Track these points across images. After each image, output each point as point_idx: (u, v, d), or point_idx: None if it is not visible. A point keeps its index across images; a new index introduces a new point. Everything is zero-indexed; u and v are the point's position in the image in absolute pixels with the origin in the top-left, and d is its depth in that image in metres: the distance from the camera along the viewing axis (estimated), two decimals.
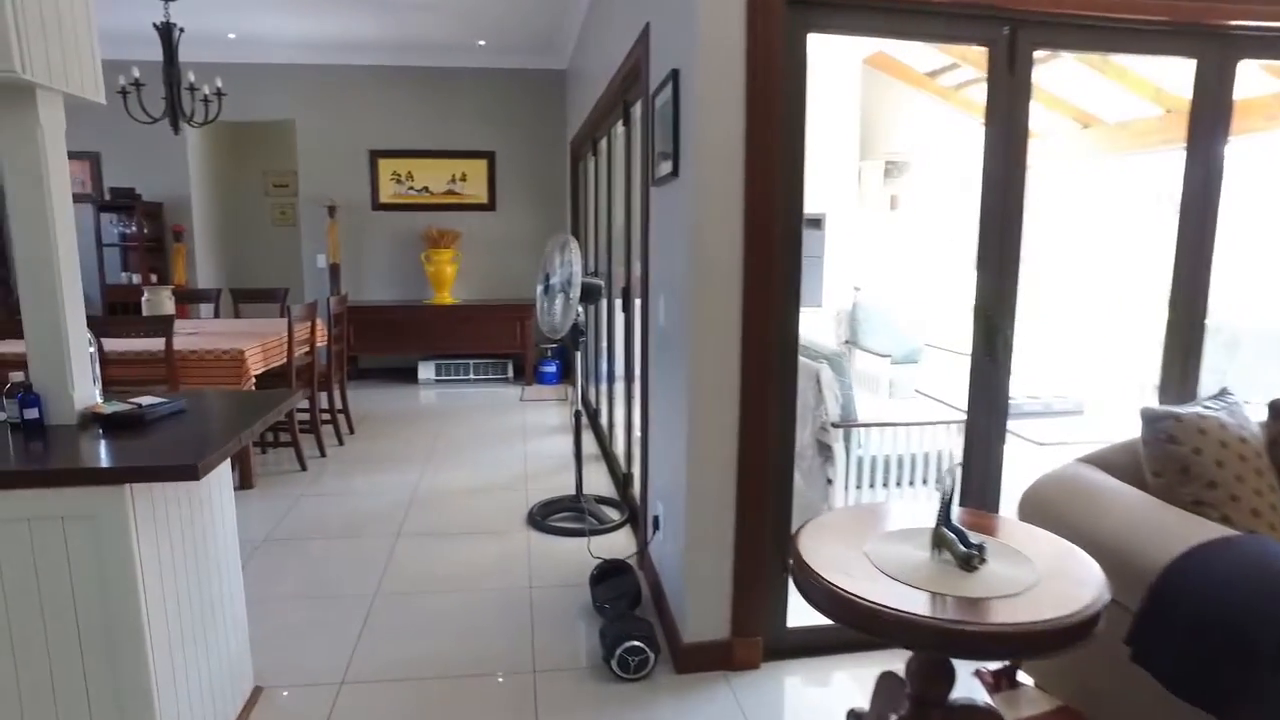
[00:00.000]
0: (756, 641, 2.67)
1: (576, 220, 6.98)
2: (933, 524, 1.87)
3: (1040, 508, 2.27)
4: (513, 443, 5.45)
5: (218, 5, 6.10)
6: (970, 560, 1.75)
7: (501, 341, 7.30)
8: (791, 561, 1.90)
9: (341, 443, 5.38)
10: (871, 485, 3.75)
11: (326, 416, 5.37)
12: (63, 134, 2.13)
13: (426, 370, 7.48)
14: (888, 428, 3.81)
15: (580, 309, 3.65)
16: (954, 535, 1.80)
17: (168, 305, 4.85)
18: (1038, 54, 2.52)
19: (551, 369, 7.42)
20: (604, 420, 5.47)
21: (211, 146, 7.97)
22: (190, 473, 1.71)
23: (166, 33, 5.42)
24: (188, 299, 6.11)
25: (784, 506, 2.67)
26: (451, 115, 7.49)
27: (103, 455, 1.87)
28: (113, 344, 4.20)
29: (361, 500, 4.31)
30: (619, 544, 3.72)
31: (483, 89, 7.50)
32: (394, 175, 7.51)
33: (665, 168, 2.71)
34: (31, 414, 2.04)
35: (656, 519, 3.05)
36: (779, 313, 2.50)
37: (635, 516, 3.95)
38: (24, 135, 1.99)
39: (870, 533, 1.97)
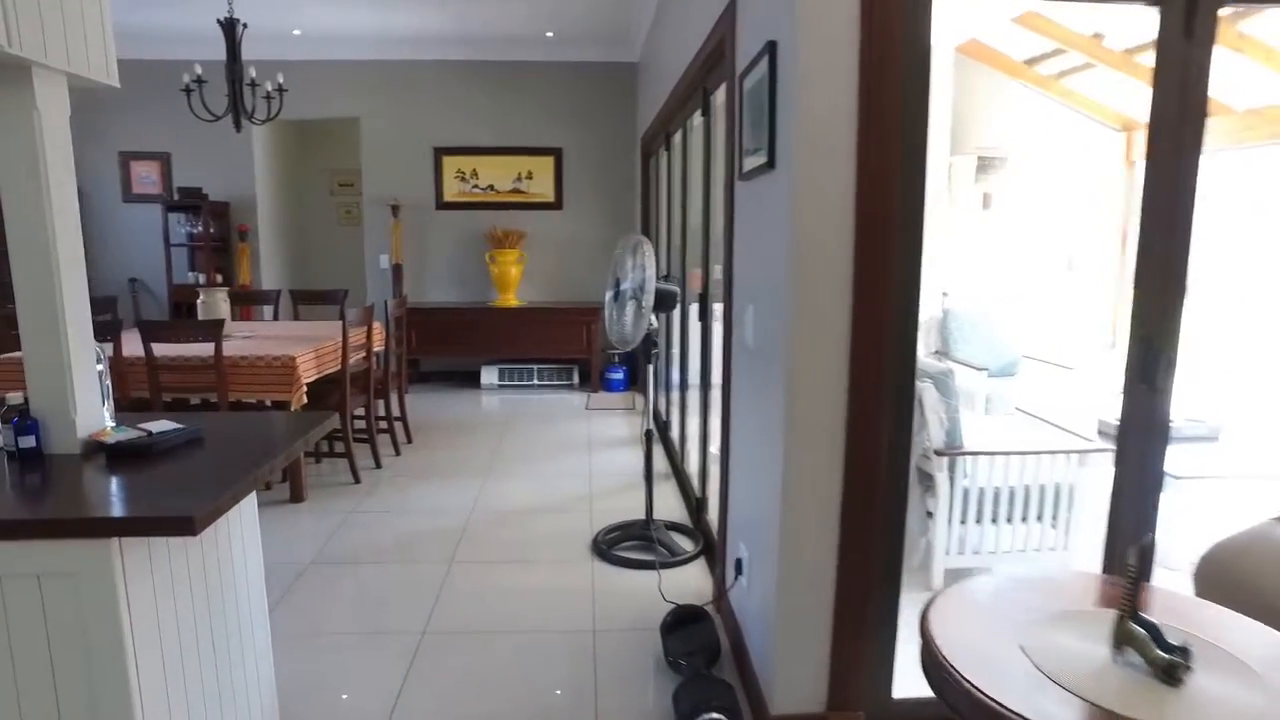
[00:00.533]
0: (858, 717, 2.26)
1: (647, 220, 6.63)
2: (1111, 609, 1.45)
3: (1231, 582, 1.81)
4: (577, 456, 5.13)
5: (282, 1, 5.95)
6: (1174, 670, 1.32)
7: (566, 346, 7.00)
8: (921, 648, 1.51)
9: (398, 453, 5.13)
10: (978, 520, 3.29)
11: (384, 425, 5.13)
12: (66, 119, 1.88)
13: (489, 375, 7.23)
14: (997, 456, 3.35)
15: (653, 318, 3.29)
16: (1147, 632, 1.37)
17: (223, 308, 4.67)
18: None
19: (618, 375, 7.09)
20: (675, 433, 5.10)
21: (277, 145, 7.88)
22: (186, 527, 1.40)
23: (229, 28, 5.26)
24: (247, 300, 5.97)
25: (894, 552, 2.26)
26: (518, 111, 7.22)
27: (96, 497, 1.59)
28: (164, 349, 4.02)
29: (415, 519, 4.03)
30: (693, 581, 3.34)
31: (550, 83, 7.21)
32: (458, 173, 7.28)
33: (756, 159, 2.32)
34: (28, 442, 1.77)
35: (739, 562, 2.66)
36: (895, 326, 2.09)
37: (710, 547, 3.58)
38: (17, 119, 1.73)
39: (1024, 614, 1.55)
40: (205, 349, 3.96)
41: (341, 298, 5.76)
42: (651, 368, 3.49)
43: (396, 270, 7.21)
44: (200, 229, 7.05)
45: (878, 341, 2.08)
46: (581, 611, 3.05)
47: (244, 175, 7.31)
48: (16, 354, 4.21)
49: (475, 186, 7.29)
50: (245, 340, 4.54)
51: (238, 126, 5.48)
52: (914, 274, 2.10)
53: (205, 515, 1.43)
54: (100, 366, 1.94)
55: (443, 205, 7.32)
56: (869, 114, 1.97)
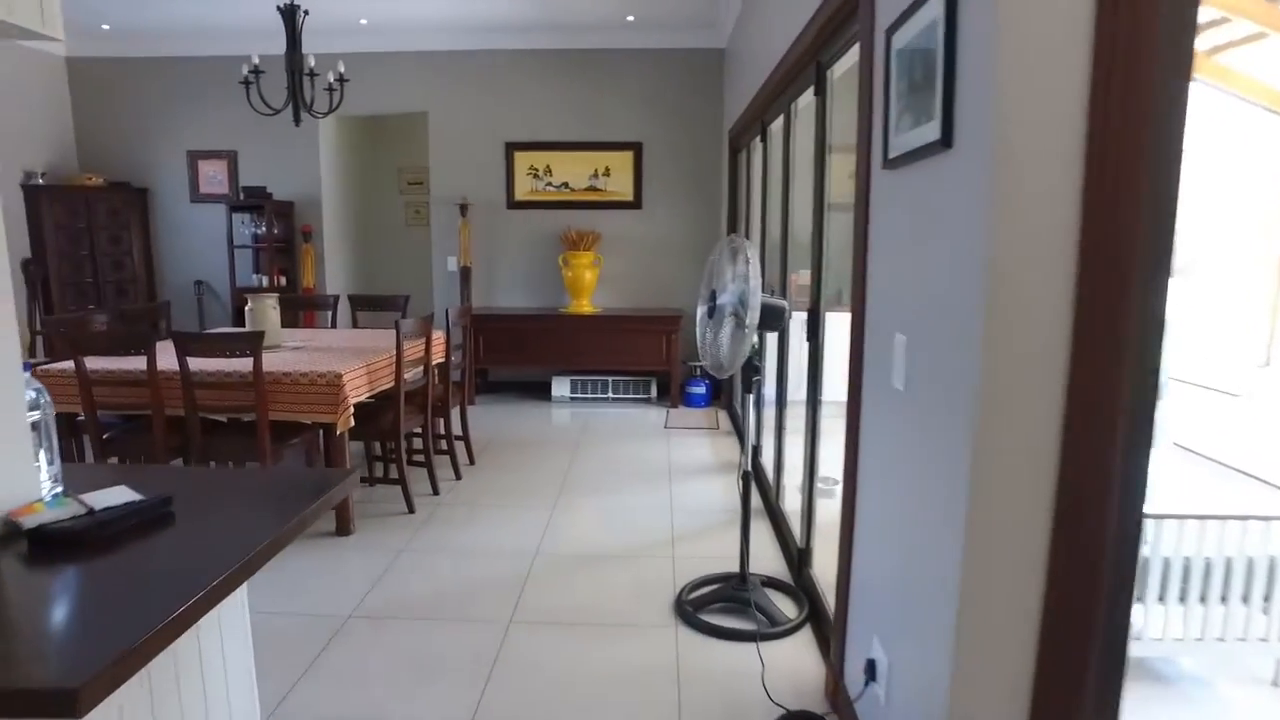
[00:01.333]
0: None
1: (735, 221, 6.02)
2: None
3: None
4: (655, 485, 4.56)
5: None
6: None
7: (644, 357, 6.45)
8: None
9: (459, 476, 4.66)
10: (1182, 599, 2.59)
11: (444, 445, 4.67)
12: None
13: (560, 386, 6.73)
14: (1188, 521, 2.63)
15: (755, 337, 2.69)
16: None
17: (271, 317, 4.27)
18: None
19: (699, 390, 6.50)
20: (766, 458, 4.49)
21: (344, 142, 7.55)
22: (65, 707, 0.88)
23: (290, 16, 4.88)
24: (302, 306, 5.60)
25: (1115, 670, 1.62)
26: (595, 103, 6.71)
27: None
28: (201, 364, 3.61)
29: (472, 562, 3.53)
30: (797, 658, 2.73)
31: (630, 72, 6.67)
32: (531, 170, 6.81)
33: (917, 137, 1.71)
34: None
35: (872, 666, 2.04)
36: (1133, 371, 1.45)
37: (816, 612, 2.96)
38: None
39: None
40: (246, 364, 3.53)
41: (402, 304, 5.33)
42: (751, 397, 2.89)
43: (464, 274, 6.78)
44: (264, 229, 6.75)
45: (1110, 389, 1.44)
46: (664, 698, 2.48)
47: (309, 174, 6.99)
48: (61, 364, 3.91)
49: (548, 184, 6.81)
50: (293, 353, 4.12)
51: (297, 120, 5.11)
52: (1159, 288, 1.45)
53: (98, 686, 0.91)
54: (38, 414, 1.46)
55: (514, 204, 6.86)
56: (1107, 67, 1.34)
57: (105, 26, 6.50)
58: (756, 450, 4.84)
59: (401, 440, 4.02)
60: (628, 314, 6.57)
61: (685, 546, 3.69)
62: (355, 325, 5.47)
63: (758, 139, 4.64)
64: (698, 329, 2.90)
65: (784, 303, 2.76)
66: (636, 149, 6.72)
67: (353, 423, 3.63)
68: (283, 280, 6.93)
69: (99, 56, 6.99)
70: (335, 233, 7.31)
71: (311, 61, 4.96)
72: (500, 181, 6.83)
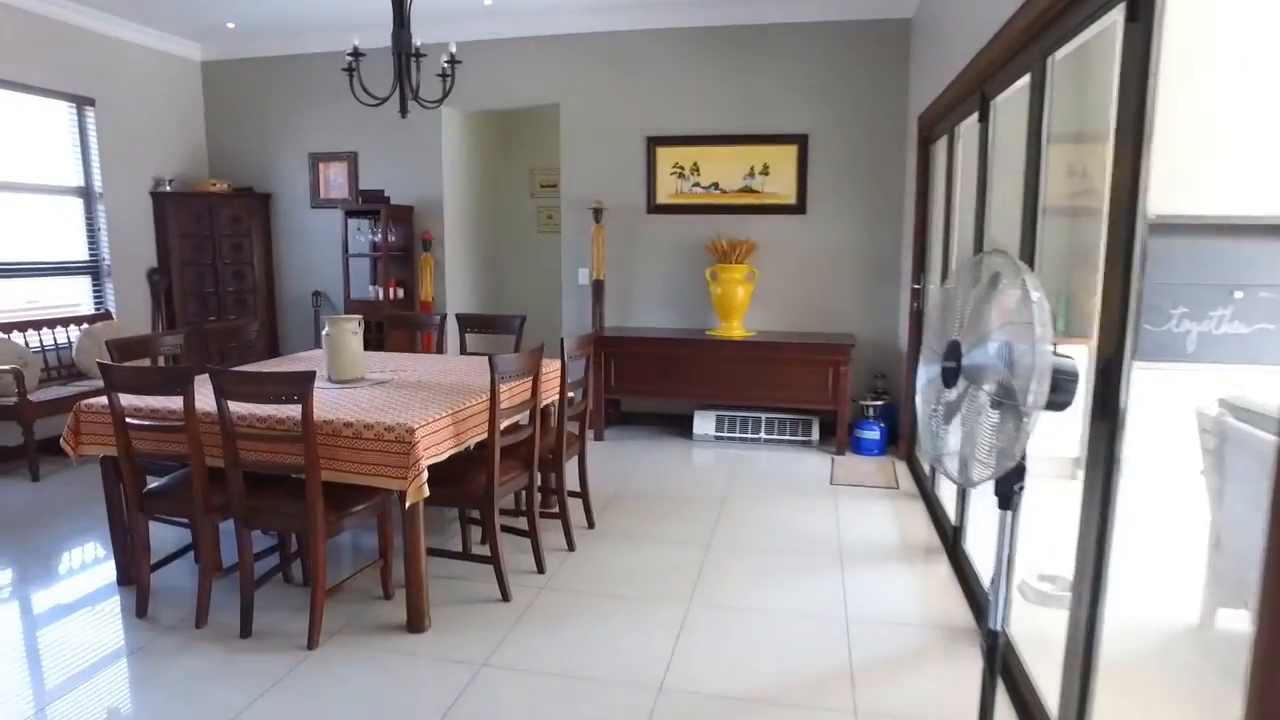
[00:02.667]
0: None
1: (925, 228, 4.81)
2: None
3: None
4: (822, 574, 3.46)
5: None
6: None
7: (806, 391, 5.32)
8: None
9: (571, 545, 3.73)
10: None
11: (556, 505, 3.76)
12: None
13: (704, 422, 5.71)
14: None
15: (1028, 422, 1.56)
16: None
17: (350, 345, 3.50)
18: None
19: (872, 434, 5.30)
20: (970, 543, 3.28)
21: (470, 141, 6.87)
22: None
23: None
24: (401, 325, 4.86)
25: None
26: (752, 88, 5.66)
27: None
28: (246, 408, 2.86)
29: (572, 694, 2.57)
30: None
31: (794, 52, 5.57)
32: (675, 168, 5.84)
33: None
34: None
35: None
36: None
37: None
38: None
39: None
40: (297, 409, 2.74)
41: (517, 326, 4.49)
42: (1009, 516, 1.75)
43: (597, 288, 5.90)
44: (379, 236, 6.14)
45: None
46: None
47: (430, 176, 6.34)
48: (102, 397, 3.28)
49: (696, 185, 5.82)
50: (372, 390, 3.34)
51: (403, 109, 4.36)
52: None
53: None
54: None
55: (655, 208, 5.91)
56: None
57: (230, 25, 6.10)
58: (943, 520, 3.58)
59: (495, 510, 3.13)
60: (786, 339, 5.46)
61: (870, 688, 2.58)
62: (464, 350, 4.68)
63: (978, 116, 3.44)
64: (919, 401, 1.81)
65: (1074, 364, 1.61)
66: (801, 142, 5.61)
67: (427, 491, 2.76)
68: (399, 292, 6.31)
69: (230, 59, 6.64)
70: (458, 240, 6.64)
71: (419, 40, 4.20)
72: (640, 182, 5.91)
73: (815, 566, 3.55)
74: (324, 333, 3.53)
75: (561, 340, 3.63)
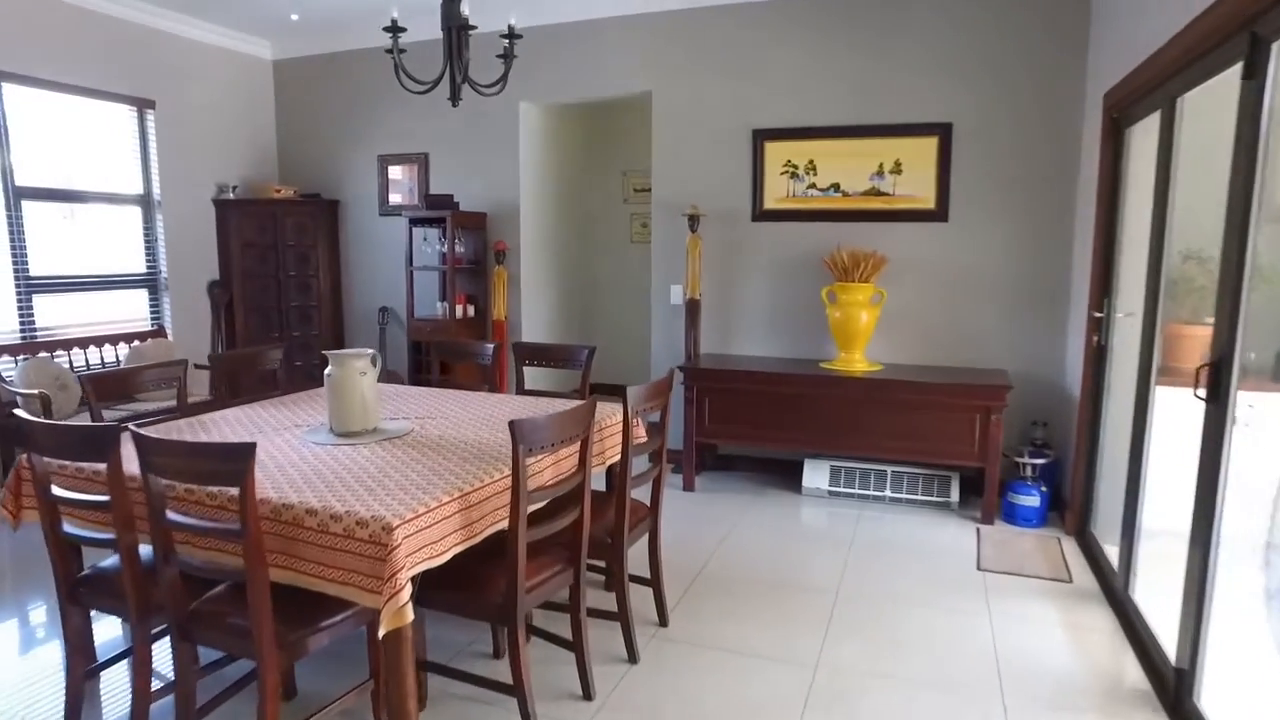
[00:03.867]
0: None
1: (1113, 240, 3.69)
2: None
3: None
4: (978, 711, 2.45)
5: None
6: None
7: (944, 441, 4.25)
8: None
9: (633, 657, 2.84)
10: None
11: (617, 600, 2.88)
12: None
13: (817, 473, 4.72)
14: None
15: None
16: None
17: (358, 388, 2.74)
18: None
19: (1030, 499, 4.17)
20: (1138, 597, 2.20)
21: (552, 138, 6.12)
22: None
23: None
24: (449, 354, 4.10)
25: None
26: (881, 70, 4.64)
27: None
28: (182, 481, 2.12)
29: None
30: None
31: (936, 22, 4.52)
32: (787, 167, 4.88)
33: None
34: None
35: None
36: None
37: None
38: None
39: None
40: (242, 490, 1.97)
41: (584, 359, 3.66)
42: None
43: (691, 309, 5.00)
44: (445, 246, 5.45)
45: None
46: None
47: (507, 179, 5.62)
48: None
49: (811, 187, 4.84)
50: (376, 450, 2.57)
51: (454, 95, 3.64)
52: None
53: None
54: None
55: (762, 214, 4.97)
56: None
57: (294, 17, 5.56)
58: (1115, 590, 2.44)
59: (520, 626, 2.28)
60: (921, 377, 4.41)
61: None
62: (520, 388, 3.88)
63: (1222, 79, 2.36)
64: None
65: None
66: (942, 133, 4.55)
67: (410, 615, 1.94)
68: (469, 310, 5.61)
69: (300, 56, 6.14)
70: (537, 252, 5.89)
71: (466, 10, 3.44)
72: (744, 183, 4.98)
73: (964, 697, 2.53)
74: (326, 373, 2.79)
75: (625, 395, 2.75)
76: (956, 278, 4.62)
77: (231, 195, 5.89)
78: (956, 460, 4.29)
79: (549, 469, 2.60)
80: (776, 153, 4.89)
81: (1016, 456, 4.24)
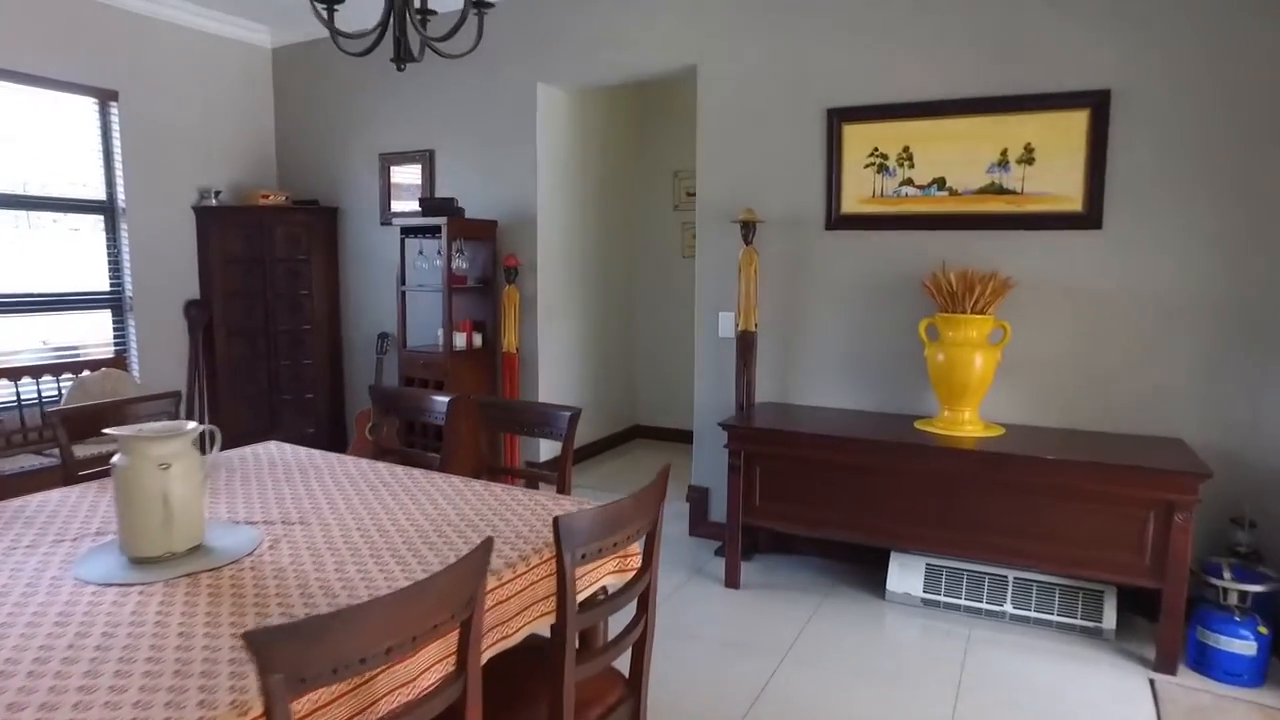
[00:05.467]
0: None
1: None
2: None
3: None
4: None
5: None
6: None
7: (1097, 545, 2.93)
8: None
9: None
10: None
11: None
12: None
13: (906, 573, 3.45)
14: None
15: None
16: None
17: (153, 492, 1.70)
18: None
19: (1243, 644, 2.80)
20: None
21: (581, 131, 5.05)
22: None
23: None
24: (397, 409, 3.05)
25: None
26: (1006, 20, 3.38)
27: None
28: None
29: None
30: None
31: None
32: (874, 158, 3.67)
33: None
34: None
35: None
36: None
37: None
38: None
39: None
40: None
41: (564, 426, 2.56)
42: None
43: (744, 344, 3.83)
44: (452, 262, 4.44)
45: None
46: None
47: (519, 177, 4.58)
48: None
49: (907, 184, 3.60)
50: (174, 590, 1.53)
51: (398, 57, 2.62)
52: None
53: None
54: None
55: (839, 221, 3.76)
56: None
57: None
58: None
59: None
60: (1062, 448, 3.11)
61: None
62: (505, 478, 2.79)
63: None
64: None
65: None
66: (1096, 104, 3.24)
67: None
68: (474, 339, 4.58)
69: (302, 41, 5.29)
70: (559, 268, 4.82)
71: None
72: (815, 180, 3.78)
73: None
74: (113, 461, 1.77)
75: (557, 527, 1.62)
76: (1114, 308, 3.29)
77: (214, 202, 5.06)
78: (1114, 575, 2.96)
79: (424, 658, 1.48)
80: (859, 138, 3.67)
81: (1213, 576, 2.88)
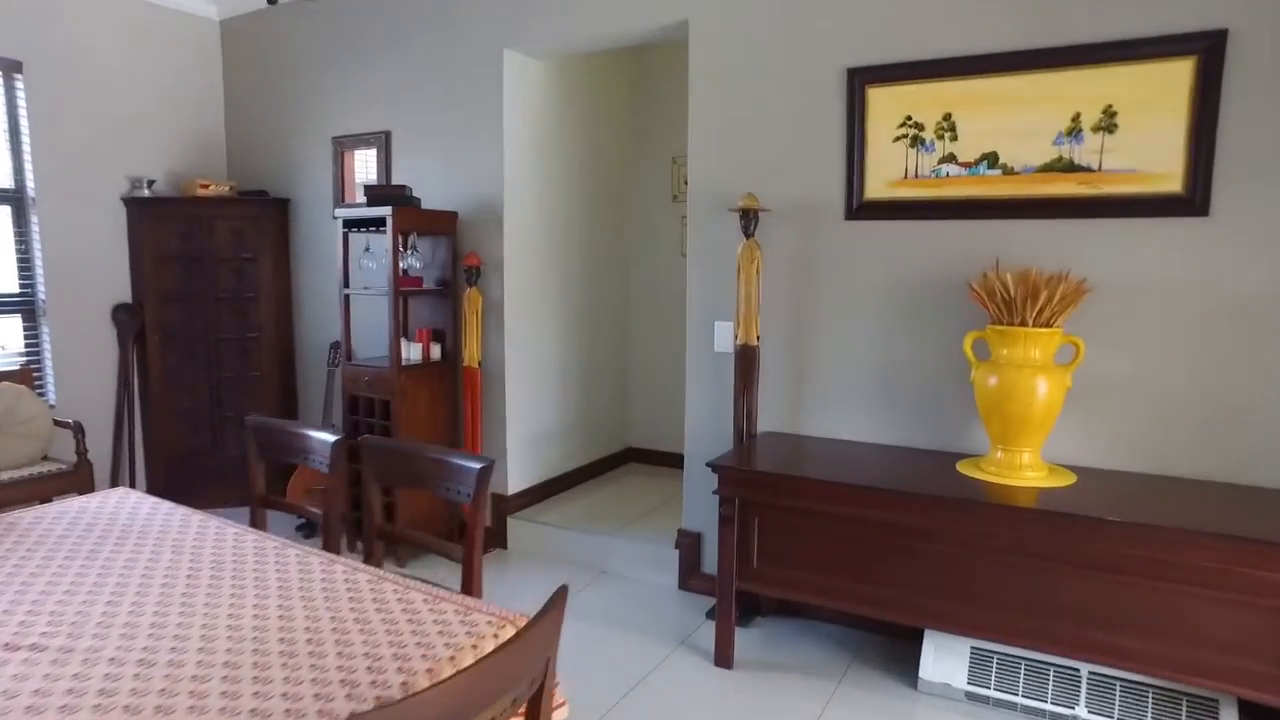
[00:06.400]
0: None
1: None
2: None
3: None
4: None
5: None
6: None
7: (1213, 640, 2.17)
8: None
9: None
10: None
11: None
12: None
13: (946, 658, 2.69)
14: None
15: None
16: None
17: None
18: None
19: None
20: None
21: (561, 107, 4.34)
22: None
23: None
24: (275, 447, 2.36)
25: None
26: None
27: None
28: None
29: None
30: None
31: None
32: (907, 128, 2.91)
33: None
34: None
35: None
36: None
37: None
38: None
39: None
40: None
41: (473, 482, 1.85)
42: None
43: (744, 361, 3.10)
44: (405, 261, 3.76)
45: None
46: None
47: (486, 162, 3.89)
48: None
49: (949, 161, 2.85)
50: None
51: None
52: None
53: None
54: None
55: (862, 209, 3.01)
56: None
57: None
58: None
59: None
60: (1157, 507, 2.35)
61: None
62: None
63: None
64: None
65: None
66: (1206, 51, 2.47)
67: None
68: (435, 351, 3.90)
69: (250, 11, 4.65)
70: (530, 268, 4.10)
71: None
72: (832, 157, 3.04)
73: None
74: None
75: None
76: (1227, 319, 2.51)
77: (147, 192, 4.43)
78: (1236, 685, 2.18)
79: None
80: (888, 104, 2.93)
81: None
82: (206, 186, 4.46)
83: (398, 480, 2.05)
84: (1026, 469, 2.55)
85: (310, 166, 4.53)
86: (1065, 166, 2.65)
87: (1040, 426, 2.52)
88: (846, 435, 3.11)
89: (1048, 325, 2.47)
